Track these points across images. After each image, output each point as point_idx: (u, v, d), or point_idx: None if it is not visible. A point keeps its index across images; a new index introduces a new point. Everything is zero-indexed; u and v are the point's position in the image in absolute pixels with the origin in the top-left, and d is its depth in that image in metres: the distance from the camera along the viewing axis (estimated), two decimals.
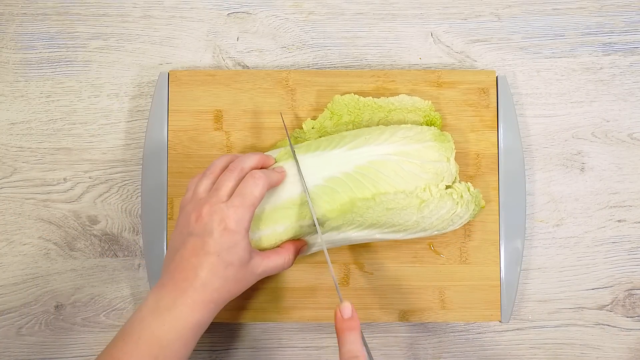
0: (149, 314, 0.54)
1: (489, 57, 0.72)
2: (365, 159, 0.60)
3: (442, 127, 0.68)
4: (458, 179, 0.63)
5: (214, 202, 0.56)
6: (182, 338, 0.54)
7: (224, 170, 0.60)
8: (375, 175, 0.60)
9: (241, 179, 0.58)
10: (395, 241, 0.66)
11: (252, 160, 0.60)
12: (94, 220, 0.71)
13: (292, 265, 0.62)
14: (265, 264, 0.59)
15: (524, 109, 0.72)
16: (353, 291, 0.67)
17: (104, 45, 0.72)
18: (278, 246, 0.61)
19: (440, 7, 0.73)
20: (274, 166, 0.62)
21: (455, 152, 0.65)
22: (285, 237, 0.61)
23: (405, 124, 0.66)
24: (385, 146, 0.61)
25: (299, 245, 0.62)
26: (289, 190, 0.60)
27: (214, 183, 0.59)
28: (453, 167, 0.62)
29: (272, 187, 0.60)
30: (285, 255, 0.61)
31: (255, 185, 0.57)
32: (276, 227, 0.60)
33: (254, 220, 0.59)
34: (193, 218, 0.56)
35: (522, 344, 0.70)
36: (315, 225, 0.60)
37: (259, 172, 0.58)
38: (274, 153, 0.63)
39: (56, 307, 0.70)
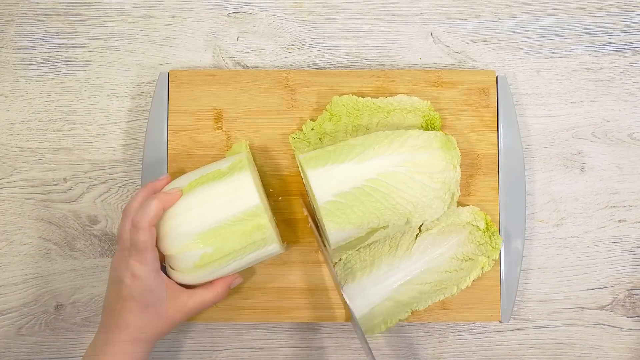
0: (88, 357, 0.59)
1: (489, 57, 0.72)
2: (375, 171, 0.60)
3: (442, 127, 0.68)
4: (459, 179, 0.64)
5: (119, 251, 0.60)
6: None
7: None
8: (387, 188, 0.60)
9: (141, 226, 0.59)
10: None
11: (137, 201, 0.60)
12: (94, 220, 0.71)
13: (223, 298, 0.63)
14: (192, 301, 0.61)
15: (524, 109, 0.72)
16: None
17: (104, 45, 0.72)
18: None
19: (440, 7, 0.73)
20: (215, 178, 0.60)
21: None
22: (228, 255, 0.59)
23: (405, 124, 0.66)
24: (395, 156, 0.61)
25: (230, 280, 0.64)
26: (232, 209, 0.59)
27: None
28: (458, 175, 0.63)
29: (165, 210, 0.59)
30: (214, 290, 0.62)
31: (141, 232, 0.58)
32: (223, 246, 0.59)
33: (196, 240, 0.59)
34: (110, 266, 0.61)
35: (522, 344, 0.70)
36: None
37: (138, 219, 0.58)
38: (226, 162, 0.62)
39: (56, 307, 0.70)
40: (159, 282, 0.59)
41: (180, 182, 0.61)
